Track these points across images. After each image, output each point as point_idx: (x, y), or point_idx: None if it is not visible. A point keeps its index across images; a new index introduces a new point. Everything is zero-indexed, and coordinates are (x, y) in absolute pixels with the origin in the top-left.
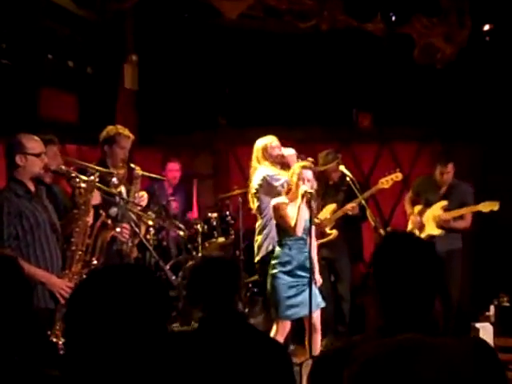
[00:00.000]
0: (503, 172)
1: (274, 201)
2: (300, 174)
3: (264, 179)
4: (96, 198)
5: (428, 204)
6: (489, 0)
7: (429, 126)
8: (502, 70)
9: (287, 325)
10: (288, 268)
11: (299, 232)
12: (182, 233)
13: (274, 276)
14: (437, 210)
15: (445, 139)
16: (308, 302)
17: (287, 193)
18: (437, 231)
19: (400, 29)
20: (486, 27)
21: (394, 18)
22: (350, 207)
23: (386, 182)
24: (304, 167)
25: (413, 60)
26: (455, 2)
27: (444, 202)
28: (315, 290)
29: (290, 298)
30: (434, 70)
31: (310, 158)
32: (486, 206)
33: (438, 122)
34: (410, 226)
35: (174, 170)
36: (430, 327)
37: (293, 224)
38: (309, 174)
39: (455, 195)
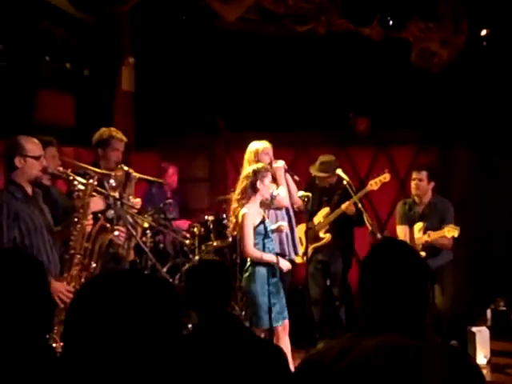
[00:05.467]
0: (501, 176)
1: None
2: (263, 176)
3: None
4: (99, 204)
5: (411, 225)
6: (486, 5)
7: (426, 131)
8: (499, 75)
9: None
10: (259, 276)
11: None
12: (187, 241)
13: (248, 287)
14: (416, 232)
15: (442, 143)
16: (280, 311)
17: (242, 195)
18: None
19: (397, 33)
20: (483, 32)
21: (391, 23)
22: (345, 206)
23: (374, 184)
24: (265, 169)
25: (410, 64)
26: (452, 7)
27: (420, 224)
28: (283, 302)
29: (264, 306)
30: (431, 75)
31: (296, 177)
32: (450, 231)
33: (435, 126)
34: None
35: (175, 174)
36: (411, 330)
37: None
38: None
39: (434, 212)
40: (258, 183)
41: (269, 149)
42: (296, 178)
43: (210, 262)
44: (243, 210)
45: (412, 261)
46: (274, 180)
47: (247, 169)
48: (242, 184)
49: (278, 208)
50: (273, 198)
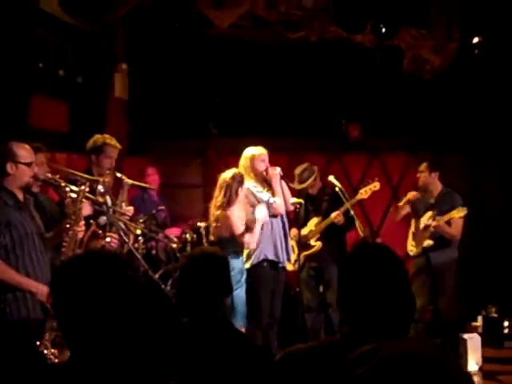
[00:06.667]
0: (493, 182)
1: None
2: (241, 181)
3: (248, 190)
4: (87, 209)
5: (418, 216)
6: (478, 13)
7: (418, 137)
8: (491, 82)
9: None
10: (242, 278)
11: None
12: (174, 245)
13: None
14: (425, 220)
15: (434, 150)
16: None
17: (230, 201)
18: (427, 242)
19: (389, 40)
20: (475, 40)
21: (383, 30)
22: (334, 216)
23: (364, 193)
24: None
25: (402, 71)
26: (444, 15)
27: (430, 213)
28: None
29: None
30: (424, 82)
31: (291, 184)
32: (458, 212)
33: (427, 132)
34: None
35: (155, 174)
36: (395, 334)
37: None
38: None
39: (444, 201)
40: (239, 188)
41: (265, 155)
42: (291, 184)
43: (205, 255)
44: (228, 212)
45: (390, 262)
46: (270, 186)
47: (226, 173)
48: (222, 189)
49: (274, 215)
50: (269, 205)
